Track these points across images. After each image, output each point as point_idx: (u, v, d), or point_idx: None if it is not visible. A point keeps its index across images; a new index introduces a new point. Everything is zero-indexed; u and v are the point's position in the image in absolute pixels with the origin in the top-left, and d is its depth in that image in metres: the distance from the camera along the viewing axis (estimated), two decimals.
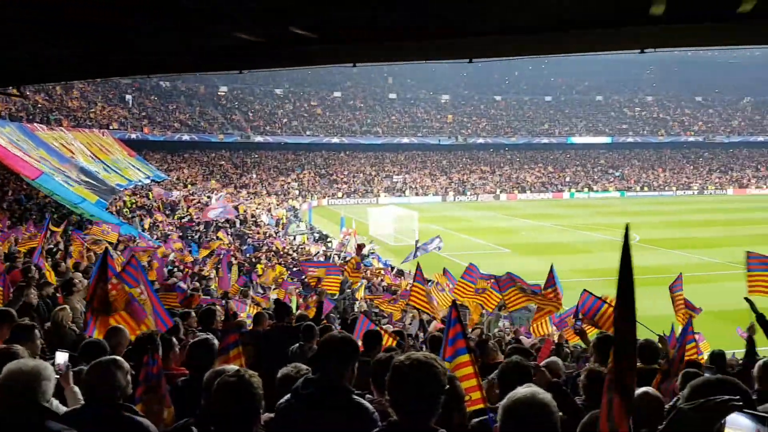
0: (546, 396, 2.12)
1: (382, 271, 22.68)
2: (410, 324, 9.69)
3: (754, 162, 73.06)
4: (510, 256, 29.89)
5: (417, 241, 26.27)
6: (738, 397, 1.58)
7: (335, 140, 68.47)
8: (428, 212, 47.45)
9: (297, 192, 57.56)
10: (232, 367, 2.71)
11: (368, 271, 21.66)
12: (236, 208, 36.66)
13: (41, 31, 5.14)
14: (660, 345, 7.27)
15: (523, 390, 2.14)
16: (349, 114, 74.66)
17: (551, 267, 9.19)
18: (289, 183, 59.76)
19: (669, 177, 69.14)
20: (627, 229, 1.99)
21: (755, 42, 4.48)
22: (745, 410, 1.46)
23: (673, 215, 44.75)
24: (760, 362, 4.59)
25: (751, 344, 5.98)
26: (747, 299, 6.40)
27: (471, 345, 3.95)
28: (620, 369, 1.88)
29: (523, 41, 4.48)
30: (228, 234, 27.42)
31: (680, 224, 39.35)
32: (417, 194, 62.64)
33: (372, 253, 28.10)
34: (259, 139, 64.72)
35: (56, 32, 5.27)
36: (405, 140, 71.28)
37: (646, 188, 65.98)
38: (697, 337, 13.87)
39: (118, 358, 3.09)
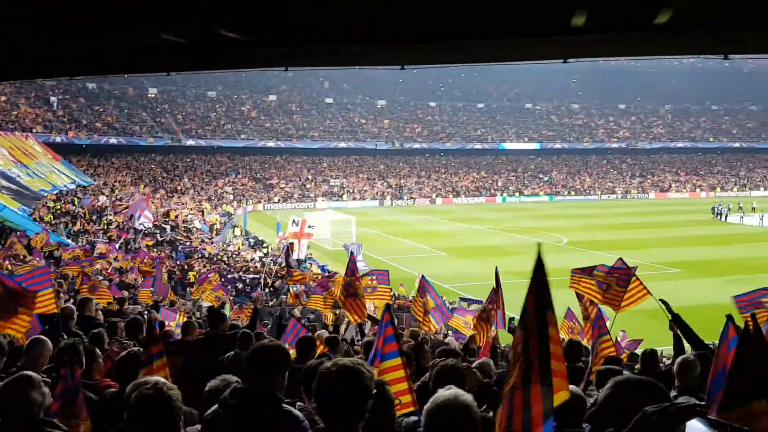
0: (467, 398, 2.14)
1: (320, 276, 22.49)
2: (346, 329, 9.64)
3: (674, 167, 77.16)
4: (446, 259, 30.34)
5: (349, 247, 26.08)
6: (702, 402, 1.64)
7: (271, 144, 67.62)
8: (366, 216, 47.50)
9: (231, 197, 56.42)
10: (154, 379, 2.61)
11: (306, 276, 21.45)
12: (166, 213, 35.61)
13: None
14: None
15: (445, 392, 2.16)
16: (285, 118, 73.93)
17: (496, 271, 9.33)
18: (223, 188, 58.51)
19: (594, 182, 72.02)
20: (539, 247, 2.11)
21: (671, 52, 4.73)
22: (707, 417, 1.53)
23: (598, 218, 46.62)
24: (678, 359, 4.82)
25: (677, 341, 6.22)
26: (662, 300, 6.67)
27: (403, 348, 3.96)
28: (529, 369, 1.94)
29: (456, 48, 4.55)
30: (160, 240, 26.59)
31: (605, 227, 41.04)
32: (355, 198, 62.66)
33: (309, 257, 27.88)
34: (190, 142, 63.11)
35: None
36: (342, 144, 71.25)
37: (573, 192, 68.47)
38: (621, 334, 14.48)
39: (31, 375, 2.92)
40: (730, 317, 3.59)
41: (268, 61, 4.92)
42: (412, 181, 68.93)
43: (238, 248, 30.42)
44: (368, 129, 76.36)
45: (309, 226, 27.72)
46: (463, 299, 17.55)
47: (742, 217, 45.18)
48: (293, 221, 27.67)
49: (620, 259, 8.39)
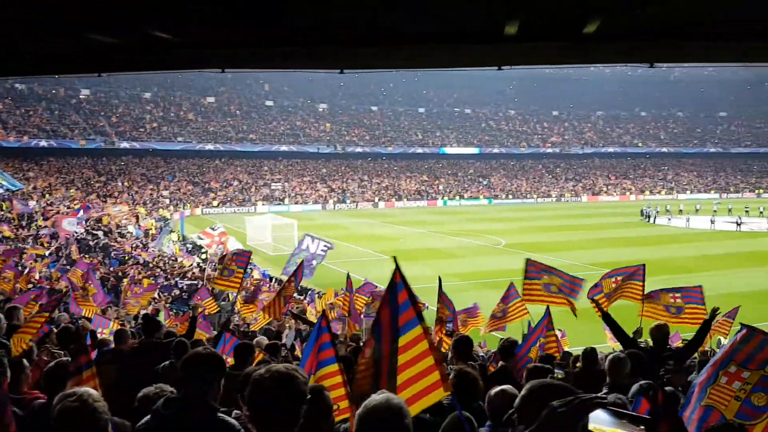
0: (399, 401, 2.16)
1: (261, 282, 22.15)
2: (286, 335, 9.54)
3: (605, 171, 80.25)
4: (388, 262, 30.43)
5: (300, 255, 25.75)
6: (604, 393, 1.70)
7: (209, 147, 66.23)
8: (308, 220, 47.17)
9: (168, 201, 54.88)
10: (81, 390, 2.51)
11: (247, 282, 21.07)
12: (99, 219, 34.29)
13: None
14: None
15: (377, 396, 2.17)
16: (223, 120, 72.58)
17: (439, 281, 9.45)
18: (159, 191, 56.83)
19: (531, 185, 74.06)
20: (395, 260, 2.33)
21: (600, 60, 4.95)
22: (608, 407, 1.59)
23: (535, 221, 47.95)
24: (609, 357, 5.02)
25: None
26: (591, 299, 6.92)
27: (340, 354, 3.95)
28: None
29: (392, 53, 4.59)
30: (92, 246, 25.55)
31: (541, 229, 42.25)
32: (297, 202, 62.15)
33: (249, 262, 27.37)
34: (124, 145, 61.05)
35: None
36: (284, 148, 70.56)
37: (511, 196, 70.17)
38: (558, 333, 14.89)
39: None
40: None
41: (202, 62, 4.83)
42: (355, 184, 68.97)
43: (176, 254, 29.60)
44: (310, 132, 75.93)
45: (221, 234, 27.34)
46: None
47: (669, 219, 47.44)
48: (212, 228, 27.29)
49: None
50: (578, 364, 6.51)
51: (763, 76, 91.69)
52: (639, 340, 6.99)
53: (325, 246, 17.09)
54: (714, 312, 6.40)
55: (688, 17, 4.11)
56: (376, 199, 65.63)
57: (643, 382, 3.86)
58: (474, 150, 79.39)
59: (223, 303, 15.41)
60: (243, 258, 9.42)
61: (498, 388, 3.33)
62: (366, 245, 35.64)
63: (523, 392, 2.32)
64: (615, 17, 3.74)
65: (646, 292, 8.03)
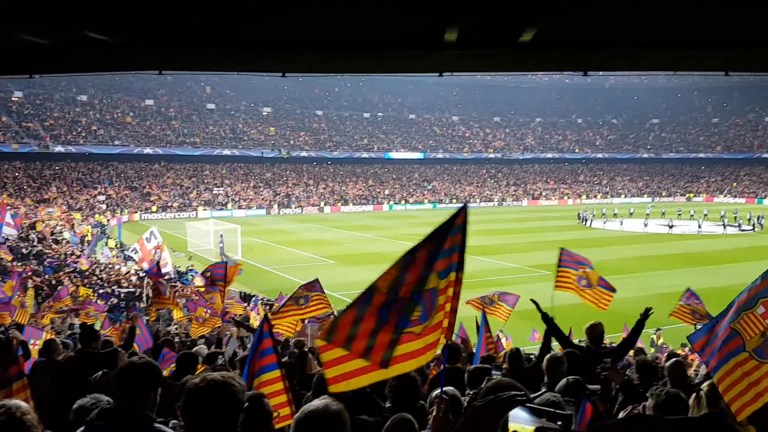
0: (338, 406, 2.17)
1: (203, 289, 21.66)
2: (226, 344, 9.35)
3: (544, 176, 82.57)
4: (334, 267, 30.35)
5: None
6: (522, 392, 1.74)
7: (148, 151, 64.39)
8: (252, 226, 46.50)
9: (105, 206, 53.01)
10: (9, 402, 2.40)
11: (187, 290, 20.59)
12: (33, 225, 32.82)
13: None
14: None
15: (316, 402, 2.18)
16: (163, 123, 70.73)
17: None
18: (95, 197, 54.82)
19: (474, 190, 75.41)
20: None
21: (536, 68, 5.10)
22: (527, 405, 1.64)
23: (478, 224, 48.74)
24: (547, 356, 5.17)
25: (546, 340, 6.59)
26: (532, 300, 7.11)
27: (282, 360, 3.92)
28: None
29: (335, 58, 4.60)
30: (24, 254, 24.39)
31: (485, 233, 43.01)
32: (240, 207, 61.14)
33: (190, 269, 26.79)
34: (59, 149, 58.59)
35: None
36: (226, 152, 69.34)
37: (455, 200, 71.19)
38: (502, 336, 15.21)
39: None
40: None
41: (140, 63, 4.70)
42: (300, 189, 68.48)
43: (113, 261, 28.61)
44: (253, 136, 74.93)
45: (155, 247, 26.72)
46: None
47: (605, 222, 49.18)
48: (147, 238, 26.55)
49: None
50: (504, 365, 6.66)
51: (693, 85, 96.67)
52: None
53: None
54: (647, 311, 6.62)
55: (616, 28, 4.30)
56: (322, 204, 65.36)
57: (570, 377, 3.98)
58: (419, 155, 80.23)
59: (163, 311, 14.96)
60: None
61: (437, 390, 3.39)
62: (311, 250, 35.43)
63: (472, 392, 2.37)
64: (551, 28, 3.87)
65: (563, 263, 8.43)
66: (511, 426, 1.62)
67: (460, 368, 6.01)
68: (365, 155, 77.41)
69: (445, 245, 2.92)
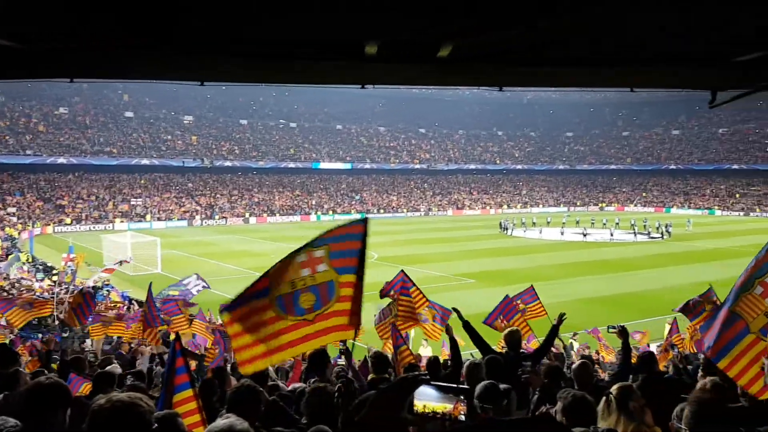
0: (243, 425, 2.16)
1: (119, 305, 20.76)
2: (139, 362, 9.01)
3: (468, 186, 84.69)
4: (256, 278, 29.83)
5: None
6: (425, 372, 1.78)
7: (62, 160, 61.20)
8: (173, 238, 45.04)
9: (15, 219, 49.85)
10: None
11: (102, 305, 19.62)
12: None
13: None
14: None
15: (221, 421, 2.16)
16: (77, 132, 67.46)
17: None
18: (5, 209, 51.46)
19: (401, 200, 76.30)
20: None
21: (455, 83, 5.27)
22: (433, 383, 1.69)
23: (405, 234, 49.39)
24: (466, 363, 5.30)
25: (454, 347, 6.71)
26: (454, 309, 7.28)
27: (194, 378, 3.85)
28: None
29: (258, 67, 4.57)
30: None
31: (412, 242, 43.61)
32: (160, 219, 59.05)
33: (106, 284, 25.57)
34: None
35: None
36: (145, 161, 66.92)
37: (382, 210, 71.80)
38: (423, 342, 15.41)
39: None
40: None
41: (49, 71, 4.47)
42: (224, 199, 66.98)
43: (23, 276, 26.89)
44: (174, 145, 72.73)
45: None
46: None
47: (524, 231, 50.97)
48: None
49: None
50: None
51: (604, 100, 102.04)
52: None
53: (202, 287, 16.49)
54: (561, 317, 6.91)
55: (530, 46, 4.51)
56: (247, 215, 64.17)
57: (487, 382, 4.09)
58: (346, 165, 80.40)
59: (77, 328, 14.21)
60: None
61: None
62: (236, 262, 34.69)
63: None
64: (466, 43, 4.01)
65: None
66: (418, 404, 1.66)
67: (386, 378, 6.08)
68: (292, 165, 76.77)
69: (342, 247, 3.46)
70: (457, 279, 27.99)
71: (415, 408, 1.63)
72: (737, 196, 75.11)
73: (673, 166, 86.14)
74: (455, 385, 1.72)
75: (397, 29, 3.55)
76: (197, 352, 11.42)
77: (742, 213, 69.50)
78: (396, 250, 39.06)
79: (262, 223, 62.34)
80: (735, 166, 79.06)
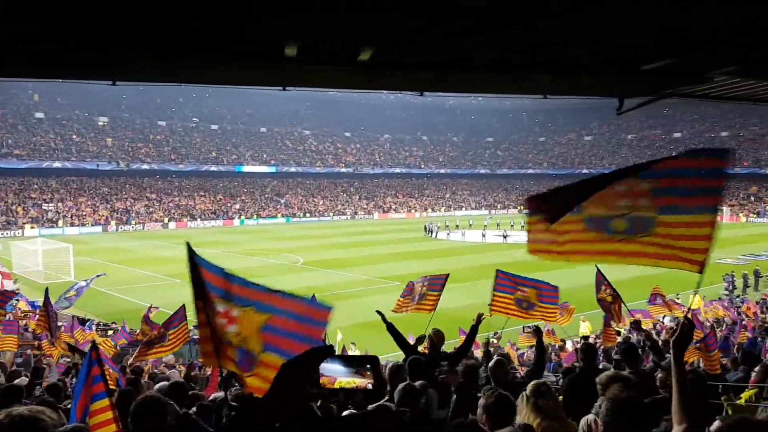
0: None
1: (30, 314, 19.55)
2: (48, 374, 8.55)
3: (393, 190, 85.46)
4: (180, 286, 28.90)
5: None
6: (331, 346, 1.74)
7: None
8: (86, 244, 42.94)
9: None
10: None
11: (9, 315, 18.39)
12: None
13: None
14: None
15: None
16: None
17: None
18: None
19: (327, 204, 76.00)
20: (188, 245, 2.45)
21: (376, 87, 5.36)
22: (338, 356, 1.68)
23: (331, 238, 49.26)
24: (389, 366, 5.38)
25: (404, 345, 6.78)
26: (378, 312, 7.37)
27: (111, 387, 3.72)
28: None
29: (175, 67, 4.47)
30: None
31: (338, 246, 43.54)
32: (73, 225, 56.06)
33: (16, 292, 24.00)
34: None
35: None
36: (57, 164, 63.39)
37: (308, 214, 71.24)
38: (351, 346, 15.44)
39: None
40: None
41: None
42: (141, 204, 64.39)
43: None
44: (88, 148, 69.31)
45: None
46: None
47: (448, 234, 51.99)
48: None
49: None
50: None
51: (522, 107, 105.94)
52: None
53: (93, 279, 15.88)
54: (479, 317, 7.13)
55: (451, 51, 4.65)
56: (166, 220, 61.98)
57: (404, 384, 4.17)
58: (271, 169, 79.23)
59: None
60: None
61: None
62: (154, 269, 33.46)
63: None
64: (386, 49, 4.09)
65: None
66: (326, 379, 1.65)
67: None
68: (213, 168, 74.84)
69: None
70: (382, 282, 28.18)
71: (323, 383, 1.63)
72: None
73: (585, 170, 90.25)
74: (359, 355, 1.72)
75: (317, 31, 3.58)
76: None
77: None
78: (322, 254, 38.90)
79: (182, 228, 60.41)
80: None
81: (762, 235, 49.94)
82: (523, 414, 3.55)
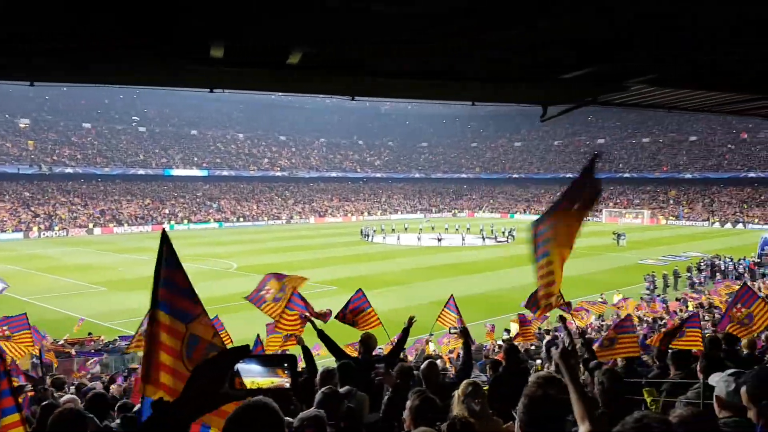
0: None
1: None
2: None
3: (329, 194, 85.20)
4: (106, 294, 27.78)
5: None
6: (246, 345, 1.71)
7: None
8: (6, 251, 40.70)
9: None
10: None
11: None
12: None
13: None
14: None
15: None
16: None
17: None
18: None
19: (261, 208, 74.88)
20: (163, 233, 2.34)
21: (308, 91, 5.35)
22: (254, 355, 1.66)
23: (266, 243, 48.58)
24: (320, 370, 5.39)
25: (307, 354, 6.75)
26: (307, 317, 7.36)
27: (20, 402, 3.54)
28: None
29: (98, 68, 4.31)
30: None
31: (273, 250, 42.98)
32: None
33: None
34: None
35: None
36: None
37: (242, 219, 69.98)
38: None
39: None
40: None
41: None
42: (65, 209, 61.45)
43: None
44: (8, 150, 65.53)
45: None
46: None
47: (384, 238, 52.29)
48: None
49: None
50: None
51: (455, 113, 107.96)
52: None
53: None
54: (410, 320, 7.24)
55: (380, 58, 4.70)
56: (91, 225, 59.41)
57: (324, 389, 4.19)
58: (202, 172, 77.30)
59: None
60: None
61: None
62: (79, 276, 32.02)
63: None
64: (317, 52, 4.09)
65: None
66: (245, 380, 1.62)
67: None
68: (141, 172, 72.27)
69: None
70: (319, 286, 28.02)
71: (239, 384, 1.60)
72: None
73: (516, 175, 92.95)
74: (275, 353, 1.71)
75: (243, 33, 3.53)
76: (34, 374, 10.40)
77: None
78: (257, 258, 38.29)
79: (108, 234, 58.06)
80: (569, 175, 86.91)
81: (681, 236, 52.90)
82: (454, 413, 3.64)
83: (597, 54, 4.95)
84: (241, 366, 1.60)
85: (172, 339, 2.65)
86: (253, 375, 1.61)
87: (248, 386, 1.61)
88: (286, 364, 1.64)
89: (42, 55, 3.71)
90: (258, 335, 9.44)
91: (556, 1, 3.37)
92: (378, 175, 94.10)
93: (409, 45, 4.30)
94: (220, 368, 1.56)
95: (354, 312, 8.46)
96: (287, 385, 1.63)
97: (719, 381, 2.91)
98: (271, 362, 1.65)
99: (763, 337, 9.08)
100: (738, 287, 10.72)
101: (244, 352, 1.60)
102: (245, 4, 3.03)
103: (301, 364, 6.30)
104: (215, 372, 1.55)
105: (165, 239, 2.66)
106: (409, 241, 49.53)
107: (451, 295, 10.87)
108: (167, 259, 2.70)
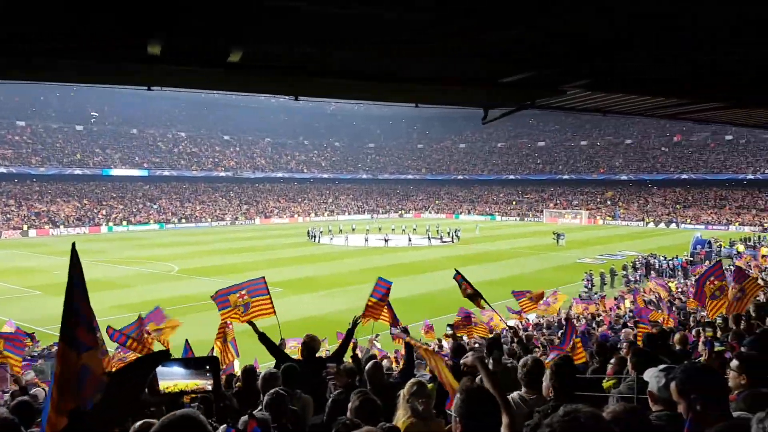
0: None
1: None
2: None
3: (275, 195, 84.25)
4: (41, 297, 26.62)
5: None
6: (167, 350, 1.72)
7: None
8: None
9: None
10: None
11: None
12: None
13: None
14: None
15: None
16: None
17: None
18: None
19: (204, 209, 73.31)
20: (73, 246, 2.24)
21: (250, 90, 5.29)
22: (176, 359, 1.66)
23: (209, 244, 47.61)
24: (263, 373, 5.36)
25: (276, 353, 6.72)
26: (249, 322, 7.30)
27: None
28: None
29: (30, 65, 4.15)
30: None
31: (216, 252, 42.15)
32: None
33: None
34: None
35: None
36: None
37: (184, 220, 68.33)
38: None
39: None
40: None
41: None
42: None
43: None
44: None
45: None
46: None
47: (331, 239, 52.12)
48: None
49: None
50: (238, 384, 6.70)
51: (401, 114, 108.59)
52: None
53: None
54: (355, 321, 7.27)
55: (324, 59, 4.71)
56: (26, 227, 56.80)
57: (279, 389, 4.18)
58: (142, 172, 75.06)
59: None
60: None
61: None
62: (12, 280, 30.60)
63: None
64: (257, 51, 4.06)
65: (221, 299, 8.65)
66: (166, 383, 1.62)
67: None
68: (78, 172, 69.58)
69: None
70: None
71: (161, 388, 1.60)
72: (513, 203, 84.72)
73: (460, 176, 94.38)
74: (196, 357, 1.71)
75: (180, 29, 3.47)
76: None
77: (517, 218, 78.53)
78: (199, 261, 37.51)
79: (43, 236, 55.67)
80: (511, 176, 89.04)
81: (617, 236, 54.91)
82: (399, 413, 3.69)
83: (533, 60, 5.11)
84: (162, 370, 1.59)
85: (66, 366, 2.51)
86: (175, 378, 1.60)
87: (170, 390, 1.60)
88: (207, 366, 1.64)
89: (42, 55, 3.61)
90: (187, 340, 9.21)
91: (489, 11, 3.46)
92: (325, 175, 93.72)
93: (352, 46, 4.33)
94: (137, 375, 1.54)
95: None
96: (209, 387, 1.63)
97: (651, 376, 3.05)
98: (194, 365, 1.65)
99: (693, 332, 9.53)
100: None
101: (163, 357, 1.59)
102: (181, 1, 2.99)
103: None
104: (133, 379, 1.53)
105: (74, 255, 2.41)
106: (357, 242, 49.55)
107: (379, 277, 10.21)
108: (75, 279, 2.44)
